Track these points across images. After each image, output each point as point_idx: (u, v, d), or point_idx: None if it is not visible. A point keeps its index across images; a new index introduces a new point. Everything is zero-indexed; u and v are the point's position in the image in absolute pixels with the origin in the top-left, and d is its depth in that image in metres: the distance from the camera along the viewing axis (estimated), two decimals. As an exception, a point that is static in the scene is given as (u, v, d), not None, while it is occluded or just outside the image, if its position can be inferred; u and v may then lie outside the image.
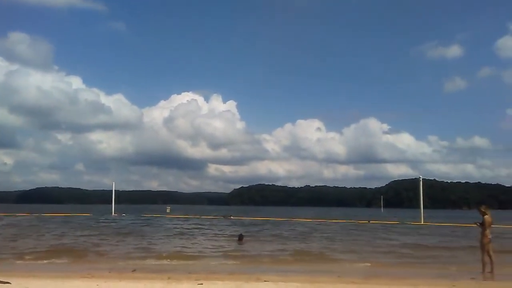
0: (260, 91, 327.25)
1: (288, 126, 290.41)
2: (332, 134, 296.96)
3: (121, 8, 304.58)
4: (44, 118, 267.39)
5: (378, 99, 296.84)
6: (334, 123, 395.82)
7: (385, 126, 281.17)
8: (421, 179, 45.11)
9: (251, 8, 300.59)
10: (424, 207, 43.07)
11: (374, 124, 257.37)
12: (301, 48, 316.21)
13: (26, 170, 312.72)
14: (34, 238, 20.91)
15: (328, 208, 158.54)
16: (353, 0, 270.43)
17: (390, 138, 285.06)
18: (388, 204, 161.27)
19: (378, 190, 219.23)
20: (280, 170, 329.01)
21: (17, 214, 49.38)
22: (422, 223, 39.82)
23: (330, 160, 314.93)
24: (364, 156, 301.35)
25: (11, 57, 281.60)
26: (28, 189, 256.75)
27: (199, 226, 31.28)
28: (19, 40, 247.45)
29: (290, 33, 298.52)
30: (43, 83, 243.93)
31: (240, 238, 20.66)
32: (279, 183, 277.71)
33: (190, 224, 33.64)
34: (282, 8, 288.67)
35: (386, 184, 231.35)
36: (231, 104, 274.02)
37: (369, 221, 43.42)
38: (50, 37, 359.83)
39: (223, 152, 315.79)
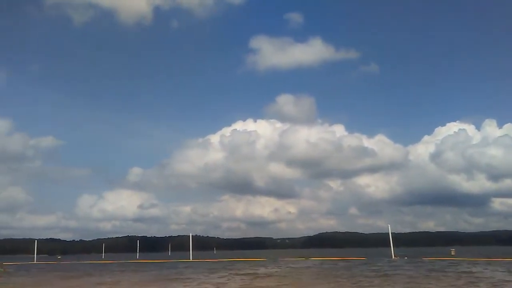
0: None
1: None
2: None
3: (372, 51, 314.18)
4: (315, 168, 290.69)
5: None
6: None
7: None
8: None
9: None
10: None
11: None
12: None
13: (307, 217, 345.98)
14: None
15: None
16: None
17: None
18: None
19: None
20: None
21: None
22: None
23: None
24: None
25: (282, 117, 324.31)
26: (311, 235, 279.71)
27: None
28: (285, 101, 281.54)
29: None
30: (310, 136, 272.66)
31: None
32: None
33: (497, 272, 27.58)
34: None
35: None
36: (510, 127, 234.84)
37: None
38: (310, 93, 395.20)
39: (507, 183, 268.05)
